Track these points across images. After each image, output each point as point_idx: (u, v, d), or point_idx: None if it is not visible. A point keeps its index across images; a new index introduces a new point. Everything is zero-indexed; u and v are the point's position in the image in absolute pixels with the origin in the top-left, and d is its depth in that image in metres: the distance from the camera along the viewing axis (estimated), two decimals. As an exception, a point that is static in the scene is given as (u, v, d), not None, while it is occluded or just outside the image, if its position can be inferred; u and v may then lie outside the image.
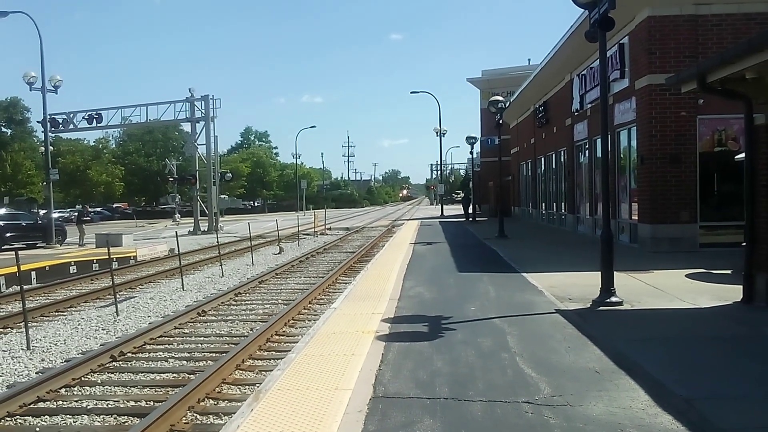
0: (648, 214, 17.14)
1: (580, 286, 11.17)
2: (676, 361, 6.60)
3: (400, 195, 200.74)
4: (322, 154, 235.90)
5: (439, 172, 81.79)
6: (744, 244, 9.67)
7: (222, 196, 45.96)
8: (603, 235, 9.91)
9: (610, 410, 5.14)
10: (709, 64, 9.41)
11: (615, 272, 9.78)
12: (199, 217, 41.74)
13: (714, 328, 8.23)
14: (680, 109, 16.59)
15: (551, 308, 9.49)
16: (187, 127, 45.45)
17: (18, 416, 6.93)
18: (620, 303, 9.48)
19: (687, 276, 12.27)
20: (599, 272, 9.75)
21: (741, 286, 9.52)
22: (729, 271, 12.01)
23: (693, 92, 11.83)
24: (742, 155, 12.92)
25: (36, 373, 8.66)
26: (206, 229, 40.37)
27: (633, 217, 18.62)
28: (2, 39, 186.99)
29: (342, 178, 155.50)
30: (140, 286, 16.89)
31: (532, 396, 5.52)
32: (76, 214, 40.50)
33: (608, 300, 9.50)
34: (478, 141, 41.78)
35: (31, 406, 7.20)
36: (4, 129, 69.45)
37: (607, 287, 9.60)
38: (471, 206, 41.66)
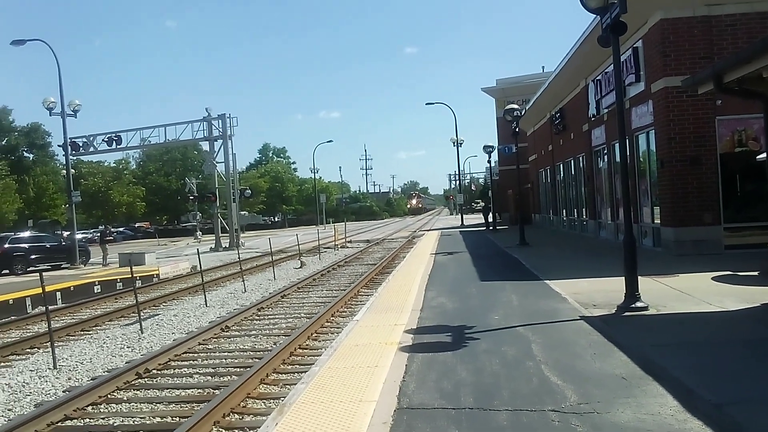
0: (670, 217, 16.96)
1: (604, 292, 11.06)
2: (705, 365, 6.50)
3: (408, 206, 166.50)
4: (340, 168, 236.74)
5: (457, 182, 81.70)
6: (769, 244, 9.54)
7: (242, 213, 46.31)
8: (625, 240, 9.82)
9: (638, 417, 5.07)
10: (724, 64, 9.34)
11: (639, 277, 9.68)
12: (220, 234, 42.02)
13: (742, 331, 8.10)
14: (698, 110, 16.43)
15: (575, 315, 9.40)
16: (205, 145, 45.83)
17: (46, 435, 7.00)
18: (646, 308, 9.37)
19: (713, 279, 12.10)
20: (623, 277, 9.65)
21: (768, 288, 9.37)
22: (756, 273, 11.85)
23: (710, 93, 11.76)
24: (764, 155, 12.80)
25: (63, 391, 8.74)
26: (228, 246, 40.64)
27: (655, 221, 18.43)
28: (23, 66, 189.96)
29: (360, 191, 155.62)
30: (164, 304, 17.00)
31: (559, 404, 5.46)
32: (99, 234, 40.93)
33: (633, 305, 9.39)
34: (496, 149, 41.70)
35: (59, 424, 7.27)
36: (26, 154, 70.68)
37: (632, 292, 9.50)
38: (491, 215, 41.50)
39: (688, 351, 7.08)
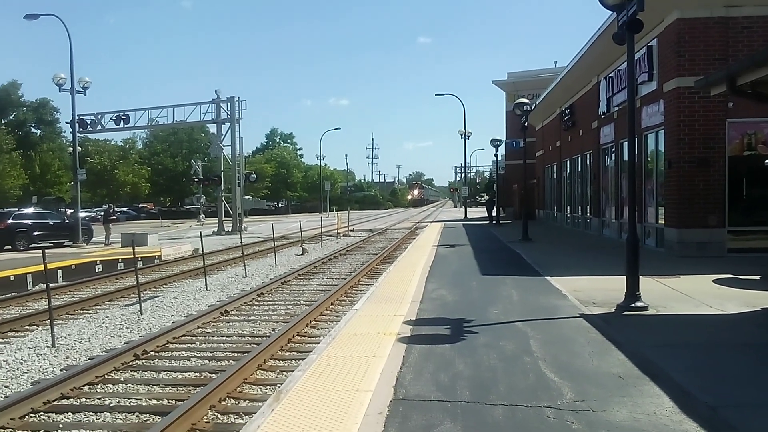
0: (675, 218, 16.90)
1: (604, 290, 11.03)
2: (702, 367, 6.48)
3: (409, 197, 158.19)
4: (346, 155, 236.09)
5: (463, 174, 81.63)
6: (773, 249, 9.49)
7: (246, 197, 46.28)
8: (629, 239, 9.78)
9: (633, 416, 5.05)
10: (739, 66, 9.26)
11: (641, 277, 9.64)
12: (224, 218, 42.06)
13: (741, 334, 8.08)
14: (709, 112, 16.33)
15: (575, 312, 9.38)
16: (212, 128, 45.83)
17: (42, 413, 7.02)
18: (645, 308, 9.34)
19: (714, 281, 12.07)
20: (624, 276, 9.62)
21: (770, 293, 9.34)
22: (757, 277, 11.82)
23: (722, 95, 11.66)
24: (773, 159, 12.72)
25: (60, 370, 8.77)
26: (230, 230, 40.65)
27: (660, 221, 18.37)
28: (35, 41, 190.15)
29: (365, 179, 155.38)
30: (164, 286, 17.04)
31: (555, 401, 5.45)
32: (103, 213, 41.01)
33: (633, 305, 9.36)
34: (503, 143, 41.53)
35: (55, 402, 7.29)
36: (33, 129, 70.80)
37: (633, 292, 9.47)
38: (495, 209, 41.44)
39: (687, 352, 7.06)
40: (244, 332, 10.99)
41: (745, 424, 4.89)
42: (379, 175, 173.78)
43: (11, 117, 67.66)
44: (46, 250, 11.47)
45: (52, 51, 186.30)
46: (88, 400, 7.45)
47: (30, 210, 32.00)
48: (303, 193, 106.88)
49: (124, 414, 6.95)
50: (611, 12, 10.37)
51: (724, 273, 12.85)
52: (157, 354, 9.52)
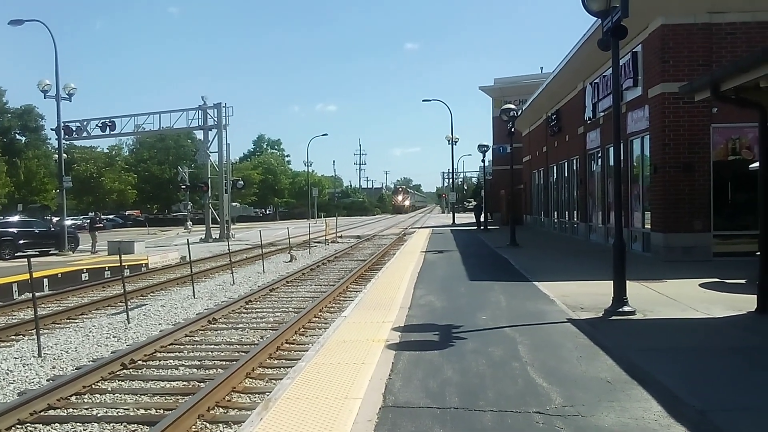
0: (661, 222, 17.02)
1: (592, 295, 11.09)
2: (690, 371, 6.53)
3: (393, 203, 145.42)
4: (333, 162, 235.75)
5: (450, 180, 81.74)
6: (758, 253, 9.57)
7: (233, 204, 46.11)
8: (615, 244, 9.84)
9: (622, 421, 5.08)
10: (722, 72, 9.36)
11: (628, 281, 9.70)
12: (211, 225, 41.90)
13: (728, 338, 8.14)
14: (694, 117, 16.48)
15: (563, 317, 9.41)
16: (199, 134, 45.64)
17: (28, 424, 6.95)
18: (633, 312, 9.40)
19: (700, 285, 12.16)
20: (612, 281, 9.67)
21: (755, 296, 9.41)
22: (743, 281, 11.90)
23: (706, 101, 11.79)
24: (757, 164, 12.85)
25: (47, 380, 8.69)
26: (218, 237, 40.52)
27: (646, 226, 18.49)
28: (20, 47, 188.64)
29: (353, 185, 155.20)
30: (151, 294, 16.94)
31: (543, 406, 5.46)
32: (89, 221, 40.74)
33: (621, 309, 9.41)
34: (490, 149, 41.63)
35: (42, 413, 7.22)
36: (18, 136, 70.21)
37: (620, 296, 9.52)
38: (483, 215, 41.53)
39: (674, 356, 7.10)
40: (233, 340, 10.94)
41: (734, 428, 4.93)
42: (367, 181, 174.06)
43: (-4, 124, 67.12)
44: (32, 259, 11.35)
45: (37, 57, 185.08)
46: (75, 410, 7.38)
47: (15, 218, 31.76)
48: (290, 199, 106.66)
49: (111, 424, 6.89)
50: (596, 18, 10.46)
51: (711, 277, 12.95)
52: (144, 363, 9.46)
